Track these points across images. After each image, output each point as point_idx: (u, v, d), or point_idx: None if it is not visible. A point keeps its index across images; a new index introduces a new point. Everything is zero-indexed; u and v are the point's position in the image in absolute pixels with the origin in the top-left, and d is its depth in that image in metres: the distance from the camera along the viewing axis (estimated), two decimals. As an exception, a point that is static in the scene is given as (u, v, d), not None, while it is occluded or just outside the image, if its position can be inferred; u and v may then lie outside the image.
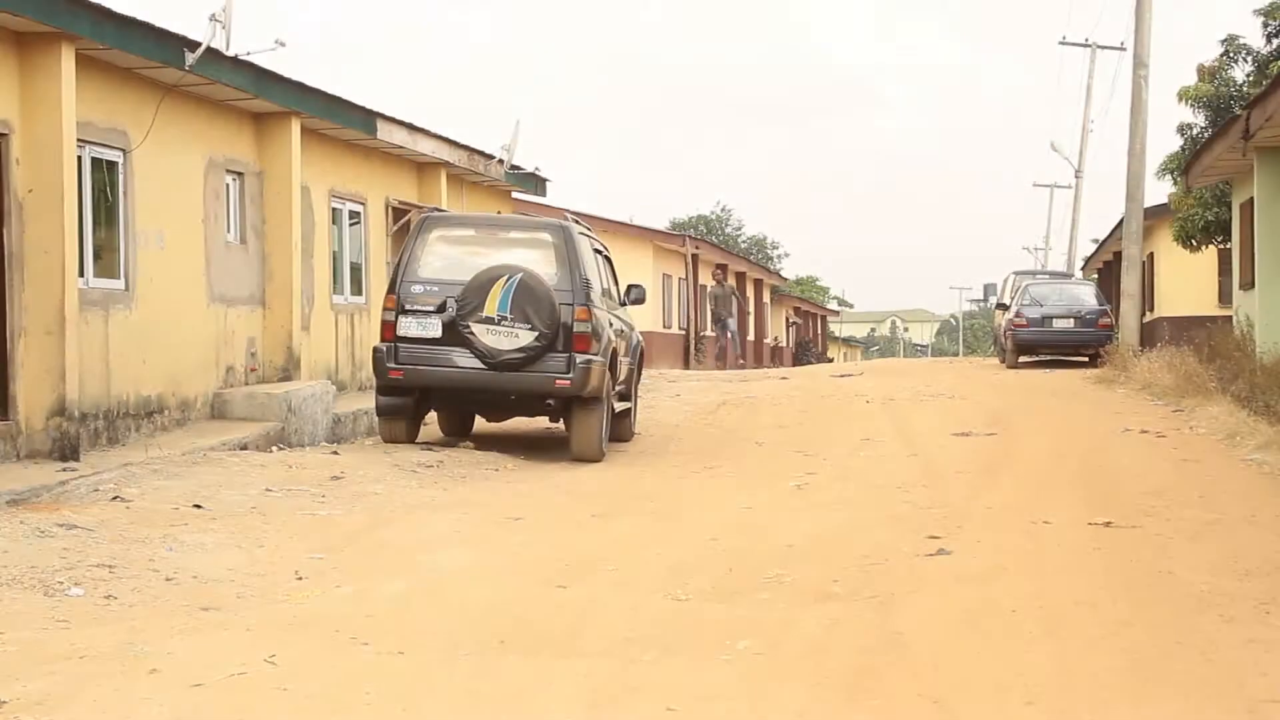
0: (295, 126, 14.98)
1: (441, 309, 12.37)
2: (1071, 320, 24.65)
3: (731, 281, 34.86)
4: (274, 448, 12.56)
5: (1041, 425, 14.26)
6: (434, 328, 12.40)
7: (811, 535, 8.22)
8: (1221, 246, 23.76)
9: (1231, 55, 23.05)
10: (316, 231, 16.11)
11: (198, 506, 9.06)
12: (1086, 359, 24.57)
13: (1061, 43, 43.03)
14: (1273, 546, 7.52)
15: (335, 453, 12.14)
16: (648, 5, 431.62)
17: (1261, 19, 21.71)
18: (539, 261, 12.49)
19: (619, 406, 13.56)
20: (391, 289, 12.60)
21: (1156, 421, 14.05)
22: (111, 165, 12.23)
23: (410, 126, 17.74)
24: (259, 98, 14.01)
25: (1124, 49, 38.30)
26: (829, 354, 63.36)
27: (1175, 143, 24.62)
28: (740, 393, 19.62)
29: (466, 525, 8.87)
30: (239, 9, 13.20)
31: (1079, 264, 42.87)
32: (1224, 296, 26.63)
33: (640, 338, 15.17)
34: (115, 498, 9.13)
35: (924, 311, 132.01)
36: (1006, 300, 28.15)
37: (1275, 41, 21.82)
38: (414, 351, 12.41)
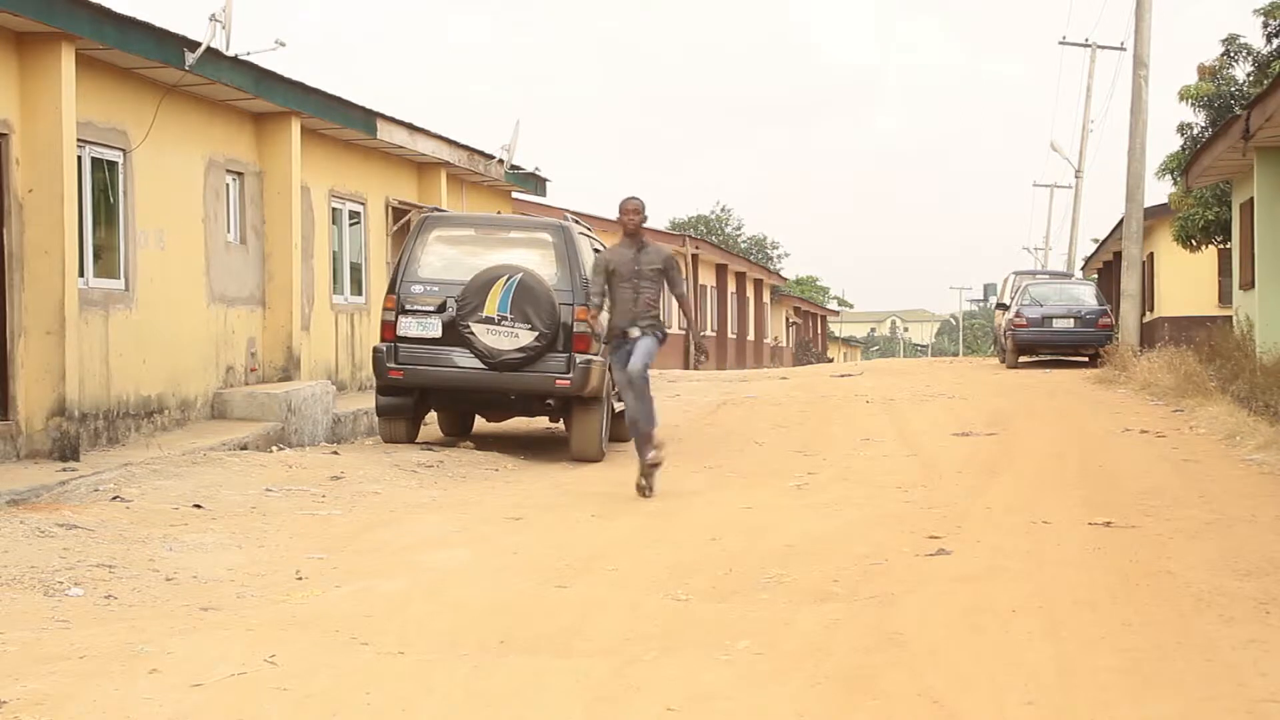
0: (295, 126, 14.99)
1: (441, 309, 12.37)
2: (1071, 320, 24.66)
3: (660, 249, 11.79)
4: (274, 448, 12.56)
5: (1041, 425, 14.26)
6: (434, 328, 12.40)
7: (811, 535, 8.22)
8: (1221, 246, 23.77)
9: (1232, 55, 23.08)
10: (316, 231, 16.12)
11: (198, 506, 9.06)
12: (1086, 359, 24.59)
13: (1061, 43, 43.10)
14: (1273, 546, 7.51)
15: (335, 453, 12.14)
16: (648, 5, 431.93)
17: (1261, 19, 21.73)
18: (539, 261, 12.49)
19: (619, 406, 13.56)
20: (391, 289, 12.61)
21: (1156, 421, 14.05)
22: (111, 165, 12.23)
23: (410, 126, 17.75)
24: (259, 98, 14.02)
25: (1124, 49, 38.35)
26: (829, 354, 63.42)
27: (1175, 143, 24.68)
28: (740, 393, 19.63)
29: (466, 525, 8.87)
30: (239, 9, 13.26)
31: (1079, 264, 42.89)
32: (1224, 296, 26.64)
33: (640, 338, 15.15)
34: (115, 498, 9.13)
35: (924, 311, 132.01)
36: (1006, 300, 28.15)
37: (1275, 41, 21.83)
38: (414, 351, 12.42)
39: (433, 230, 12.81)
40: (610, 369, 10.76)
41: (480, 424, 14.79)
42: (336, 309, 16.68)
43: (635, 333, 10.18)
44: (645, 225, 10.45)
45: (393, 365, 12.44)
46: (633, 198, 10.27)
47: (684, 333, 14.13)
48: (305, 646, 5.64)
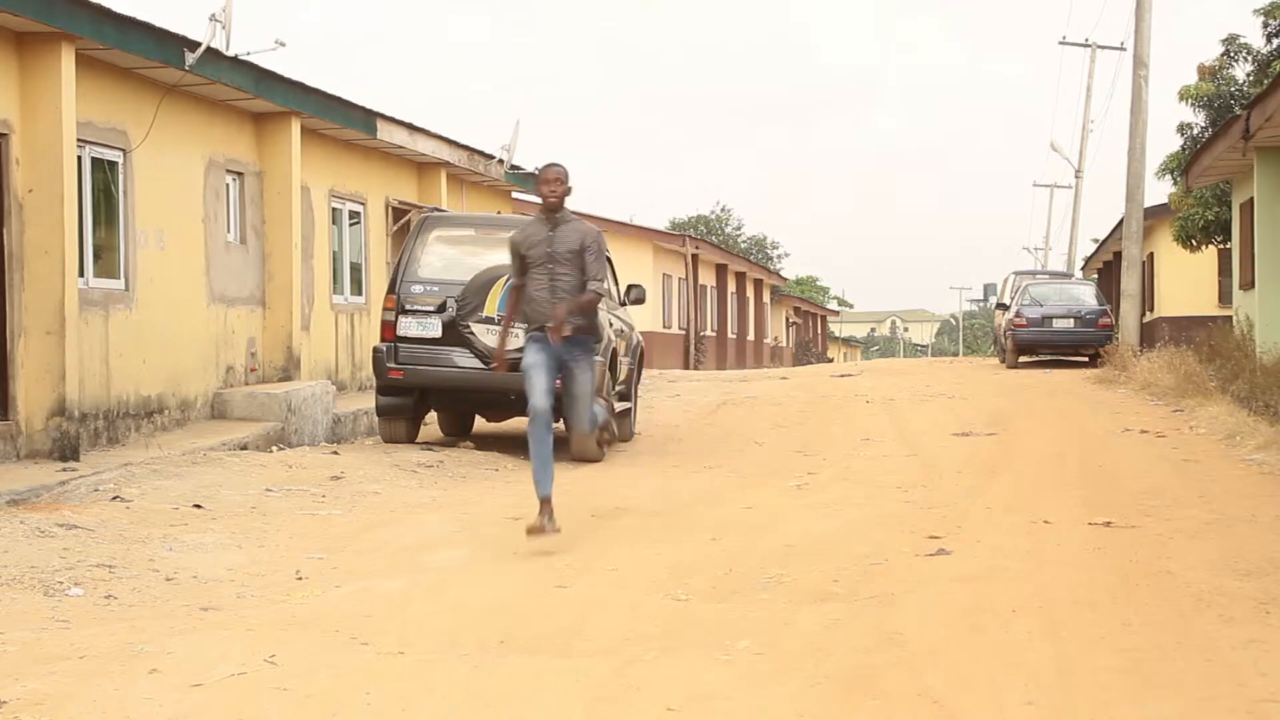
0: (295, 126, 14.99)
1: (441, 309, 12.37)
2: (1071, 320, 24.68)
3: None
4: (274, 448, 12.56)
5: (1041, 425, 14.25)
6: (434, 328, 12.40)
7: (811, 535, 8.22)
8: (1221, 246, 23.78)
9: (1232, 55, 23.08)
10: (316, 231, 16.12)
11: (198, 506, 9.06)
12: (1086, 359, 24.61)
13: (1061, 43, 43.15)
14: (1273, 546, 7.51)
15: (335, 453, 12.13)
16: (648, 5, 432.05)
17: (1261, 19, 21.73)
18: (539, 261, 12.47)
19: (619, 406, 13.56)
20: (391, 289, 12.61)
21: (1156, 421, 14.05)
22: (111, 165, 12.23)
23: (410, 126, 17.76)
24: (259, 98, 14.02)
25: (1124, 49, 38.36)
26: (829, 354, 63.44)
27: (1175, 143, 24.69)
28: (740, 393, 19.63)
29: (466, 525, 8.87)
30: (239, 9, 13.27)
31: (1079, 264, 42.90)
32: (1224, 296, 26.65)
33: (640, 338, 15.17)
34: (115, 498, 9.13)
35: (924, 311, 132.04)
36: (1006, 300, 28.18)
37: (1275, 41, 21.83)
38: (414, 351, 12.42)
39: (433, 230, 12.82)
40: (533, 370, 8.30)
41: (480, 424, 14.78)
42: (336, 309, 16.68)
43: (565, 329, 8.26)
44: (569, 198, 8.57)
45: (393, 365, 12.44)
46: (553, 165, 8.49)
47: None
48: (305, 646, 5.64)
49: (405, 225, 18.11)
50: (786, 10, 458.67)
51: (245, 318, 14.54)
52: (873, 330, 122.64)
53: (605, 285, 8.59)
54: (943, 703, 4.88)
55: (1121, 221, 25.49)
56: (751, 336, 47.30)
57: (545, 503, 7.99)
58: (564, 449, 12.86)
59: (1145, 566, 7.06)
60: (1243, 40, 23.01)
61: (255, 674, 5.24)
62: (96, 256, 12.03)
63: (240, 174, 14.53)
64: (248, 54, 13.43)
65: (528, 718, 4.84)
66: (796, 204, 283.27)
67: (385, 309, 12.64)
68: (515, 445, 13.55)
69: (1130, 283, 23.19)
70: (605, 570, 7.31)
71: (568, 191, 8.52)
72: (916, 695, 4.97)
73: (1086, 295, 25.95)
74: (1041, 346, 25.16)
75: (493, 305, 12.16)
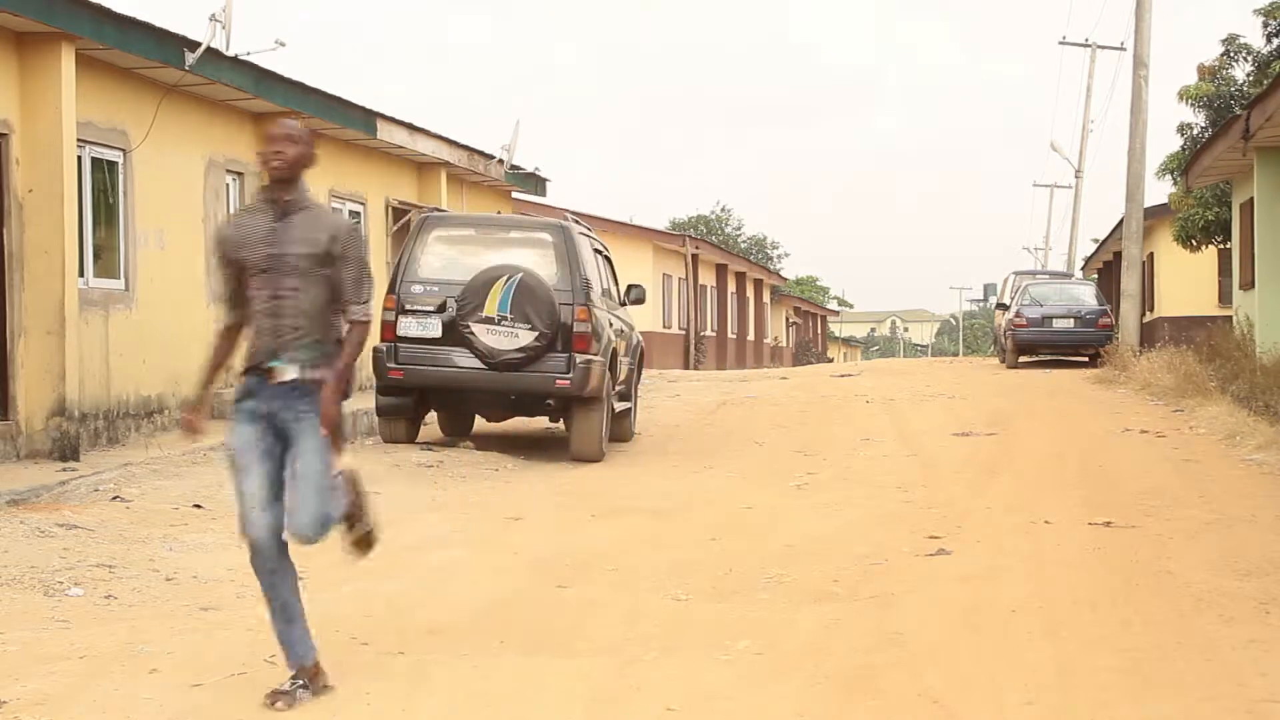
0: (295, 127, 14.98)
1: (441, 309, 12.36)
2: (1071, 320, 24.67)
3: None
4: (274, 448, 12.55)
5: (1041, 425, 14.26)
6: (434, 328, 12.39)
7: (811, 535, 8.23)
8: (1221, 246, 23.77)
9: (1232, 55, 23.07)
10: (317, 231, 16.10)
11: (198, 506, 9.06)
12: (1086, 359, 24.61)
13: (1061, 43, 43.10)
14: (1273, 546, 7.52)
15: (335, 453, 12.12)
16: (648, 5, 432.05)
17: (1261, 19, 21.72)
18: (539, 261, 12.48)
19: (619, 406, 13.56)
20: (391, 289, 12.60)
21: (1156, 421, 14.05)
22: (111, 165, 12.24)
23: (410, 126, 17.75)
24: (259, 98, 14.02)
25: (1124, 49, 38.34)
26: (829, 354, 63.45)
27: (1175, 143, 24.66)
28: (740, 393, 19.62)
29: (466, 525, 8.87)
30: (239, 9, 13.25)
31: (1079, 264, 42.88)
32: (1224, 296, 26.64)
33: (640, 338, 15.17)
34: (115, 498, 9.13)
35: (924, 311, 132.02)
36: (1006, 300, 28.17)
37: (1275, 41, 21.82)
38: (414, 351, 12.41)
39: (433, 230, 12.80)
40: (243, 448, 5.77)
41: (480, 424, 14.78)
42: (336, 309, 16.67)
43: (290, 372, 5.39)
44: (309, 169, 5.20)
45: (393, 365, 12.43)
46: (284, 120, 5.21)
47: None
48: (305, 646, 5.63)
49: (405, 225, 18.11)
50: (786, 10, 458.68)
51: (245, 318, 14.53)
52: (873, 330, 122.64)
53: (370, 307, 5.39)
54: (943, 703, 4.88)
55: (1121, 221, 25.48)
56: (751, 336, 47.31)
57: (307, 670, 5.03)
58: (564, 450, 12.87)
59: (1145, 566, 7.07)
60: (1243, 40, 23.00)
61: (255, 674, 5.24)
62: (96, 256, 12.03)
63: (240, 174, 14.53)
64: (248, 54, 13.44)
65: (528, 718, 4.84)
66: (796, 204, 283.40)
67: (385, 309, 12.62)
68: (515, 445, 13.56)
69: (1130, 283, 23.19)
70: (605, 570, 7.31)
71: (305, 159, 5.16)
72: (916, 695, 4.97)
73: (1086, 295, 25.95)
74: (1041, 346, 25.16)
75: (493, 305, 12.15)
